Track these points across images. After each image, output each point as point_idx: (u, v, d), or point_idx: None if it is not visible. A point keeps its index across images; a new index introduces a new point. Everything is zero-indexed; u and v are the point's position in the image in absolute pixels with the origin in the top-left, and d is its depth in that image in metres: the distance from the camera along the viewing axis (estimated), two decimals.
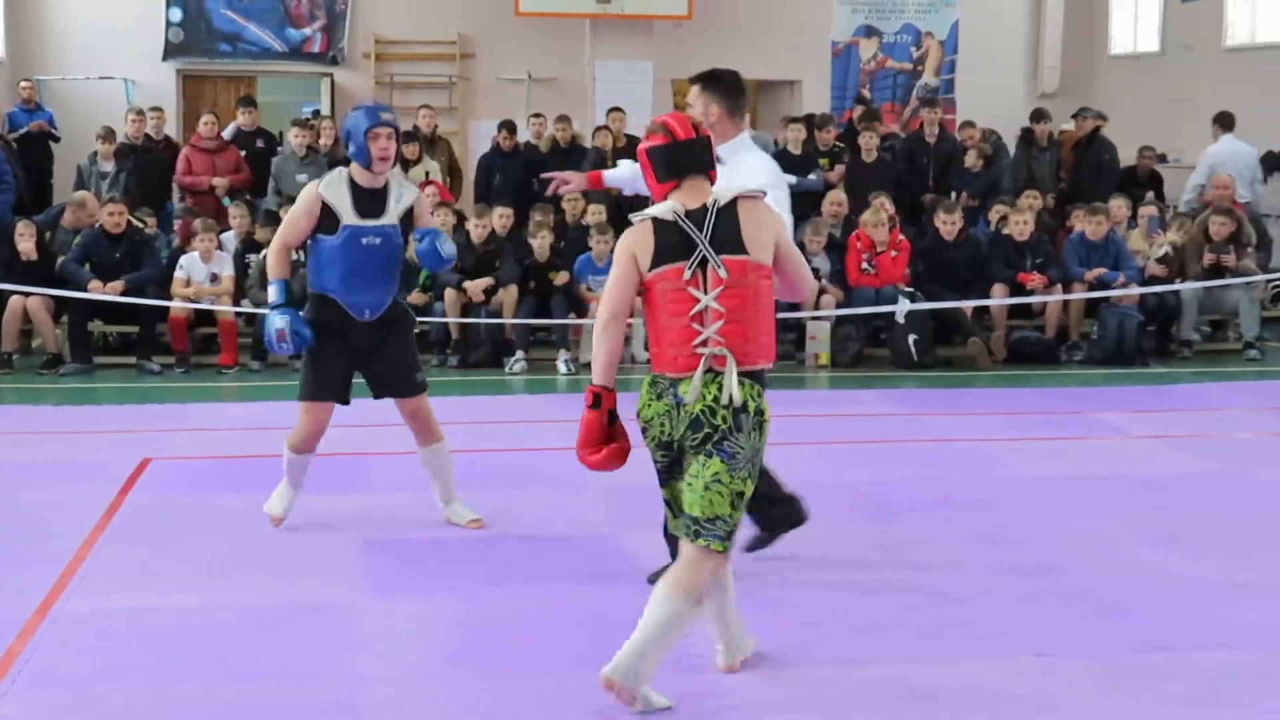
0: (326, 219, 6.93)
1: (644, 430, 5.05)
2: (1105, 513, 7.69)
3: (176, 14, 18.42)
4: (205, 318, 12.80)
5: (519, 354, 12.63)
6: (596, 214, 13.59)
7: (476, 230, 12.92)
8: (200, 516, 7.57)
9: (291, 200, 10.22)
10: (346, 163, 7.11)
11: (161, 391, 11.56)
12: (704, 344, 4.91)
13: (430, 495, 7.46)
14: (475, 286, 12.68)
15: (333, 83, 18.92)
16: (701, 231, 4.96)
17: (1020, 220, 13.25)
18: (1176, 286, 13.24)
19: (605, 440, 5.07)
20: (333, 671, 5.39)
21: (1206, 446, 9.41)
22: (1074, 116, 16.52)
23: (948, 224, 13.20)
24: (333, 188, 6.97)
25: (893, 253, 13.04)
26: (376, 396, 7.26)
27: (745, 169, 6.15)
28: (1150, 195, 15.76)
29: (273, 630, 5.85)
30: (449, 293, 12.61)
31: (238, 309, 12.64)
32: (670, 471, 5.08)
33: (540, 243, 12.94)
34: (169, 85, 18.52)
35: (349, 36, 18.89)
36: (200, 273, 12.73)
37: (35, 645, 5.63)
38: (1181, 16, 19.29)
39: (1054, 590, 6.33)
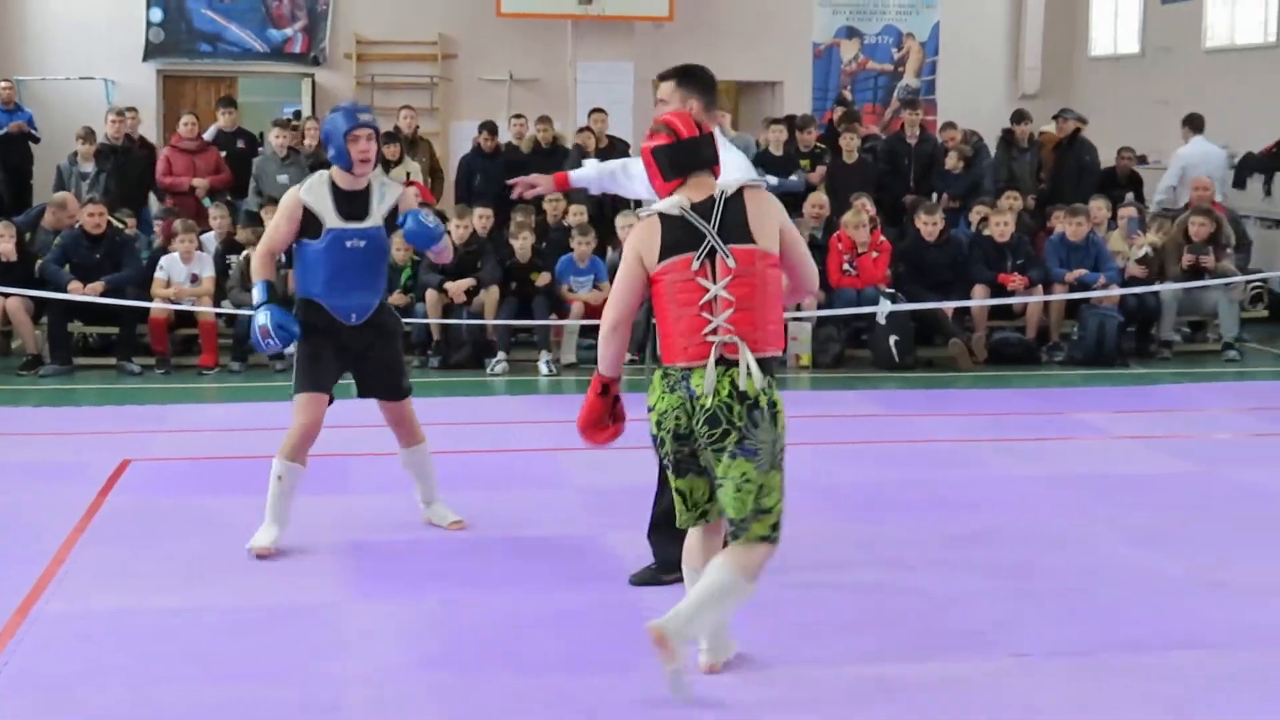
0: (309, 223, 6.87)
1: (658, 423, 5.09)
2: (1086, 513, 7.71)
3: (157, 14, 18.37)
4: (185, 319, 12.76)
5: (500, 355, 12.63)
6: (578, 215, 13.60)
7: (458, 231, 12.90)
8: (180, 518, 7.56)
9: (273, 201, 10.22)
10: (328, 165, 7.06)
11: (141, 393, 11.53)
12: (714, 332, 4.97)
13: (411, 497, 7.46)
14: (456, 287, 12.67)
15: (314, 83, 18.90)
16: (709, 222, 5.01)
17: (1001, 221, 13.29)
18: (1156, 288, 13.28)
19: (610, 423, 5.31)
20: (313, 672, 5.38)
21: (1186, 447, 9.44)
22: (1055, 118, 16.57)
23: (929, 225, 13.23)
24: (314, 192, 6.91)
25: (874, 254, 13.06)
26: (362, 396, 7.23)
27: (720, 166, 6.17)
28: (1130, 196, 15.82)
29: (253, 631, 5.84)
30: (430, 294, 12.60)
31: (218, 310, 12.61)
32: (686, 464, 5.11)
33: (522, 244, 12.94)
34: (149, 85, 18.48)
35: (330, 37, 18.87)
36: (180, 273, 12.70)
37: (15, 647, 5.61)
38: (1161, 18, 19.35)
39: (1034, 590, 6.35)
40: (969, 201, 14.53)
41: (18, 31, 18.30)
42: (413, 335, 12.86)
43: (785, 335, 5.27)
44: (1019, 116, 16.05)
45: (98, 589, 6.37)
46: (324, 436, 7.03)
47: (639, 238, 5.12)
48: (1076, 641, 5.70)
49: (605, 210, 13.96)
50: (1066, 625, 5.89)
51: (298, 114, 18.39)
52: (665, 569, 6.26)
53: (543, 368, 12.56)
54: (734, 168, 6.19)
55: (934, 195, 14.93)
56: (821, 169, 15.00)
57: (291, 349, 7.07)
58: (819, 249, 13.35)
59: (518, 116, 16.20)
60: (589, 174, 7.03)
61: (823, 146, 15.41)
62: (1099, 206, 14.15)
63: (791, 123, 15.73)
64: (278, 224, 6.95)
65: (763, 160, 14.45)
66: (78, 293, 12.20)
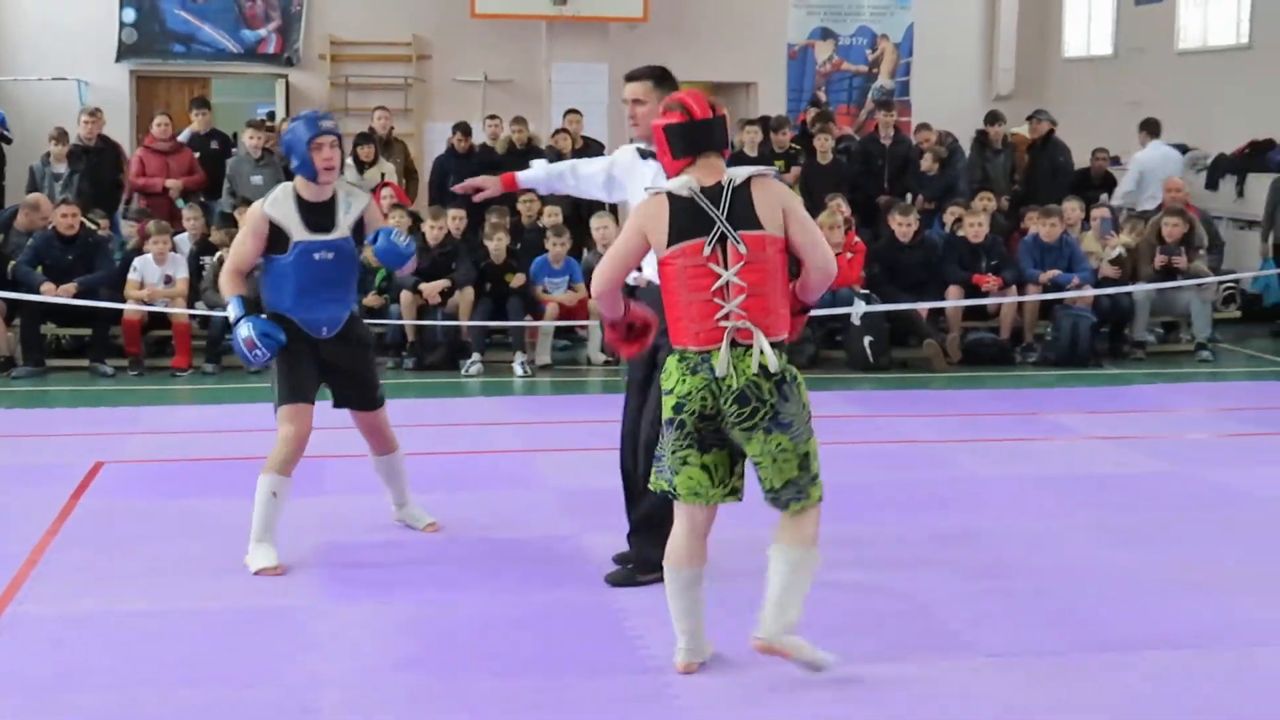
0: (277, 238, 6.71)
1: (679, 405, 5.11)
2: (1061, 513, 7.73)
3: (130, 14, 18.29)
4: (159, 320, 12.72)
5: (475, 356, 12.61)
6: (553, 216, 13.59)
7: (432, 232, 12.89)
8: (154, 520, 7.52)
9: (247, 202, 10.15)
10: (290, 176, 6.94)
11: (114, 394, 11.48)
12: (726, 318, 5.04)
13: (386, 499, 7.44)
14: (431, 288, 12.65)
15: (288, 84, 18.84)
16: (718, 208, 5.07)
17: (975, 222, 13.32)
18: (1129, 288, 13.33)
19: (638, 335, 5.41)
20: (288, 674, 5.37)
21: (1160, 447, 9.47)
22: (1028, 119, 16.61)
23: (903, 226, 13.25)
24: (279, 205, 6.74)
25: (848, 254, 13.05)
26: (337, 406, 7.11)
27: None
28: (1104, 197, 15.89)
29: (228, 634, 5.81)
30: (405, 295, 12.57)
31: (192, 312, 12.57)
32: (711, 439, 5.14)
33: (496, 244, 12.92)
34: (122, 86, 18.39)
35: (304, 38, 18.81)
36: (154, 275, 12.65)
37: None
38: (1134, 20, 19.42)
39: (1010, 590, 6.36)
40: (944, 203, 14.57)
41: None
42: (387, 336, 12.85)
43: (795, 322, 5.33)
44: (993, 118, 16.10)
45: (71, 592, 6.33)
46: None
47: (647, 214, 5.18)
48: (1052, 641, 5.71)
49: (581, 211, 13.94)
50: (1042, 625, 5.90)
51: (272, 115, 18.34)
52: (643, 569, 6.26)
53: (518, 369, 12.55)
54: None
55: (908, 196, 14.96)
56: (796, 170, 15.03)
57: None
58: None
59: (492, 117, 16.20)
60: (537, 175, 7.02)
61: (797, 147, 15.45)
62: (1072, 207, 14.19)
63: (766, 124, 15.75)
64: (243, 241, 6.79)
65: (737, 161, 14.34)
66: (50, 294, 12.15)
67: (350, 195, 6.94)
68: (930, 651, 5.59)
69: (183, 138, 15.31)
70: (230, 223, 13.04)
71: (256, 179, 13.81)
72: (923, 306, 12.94)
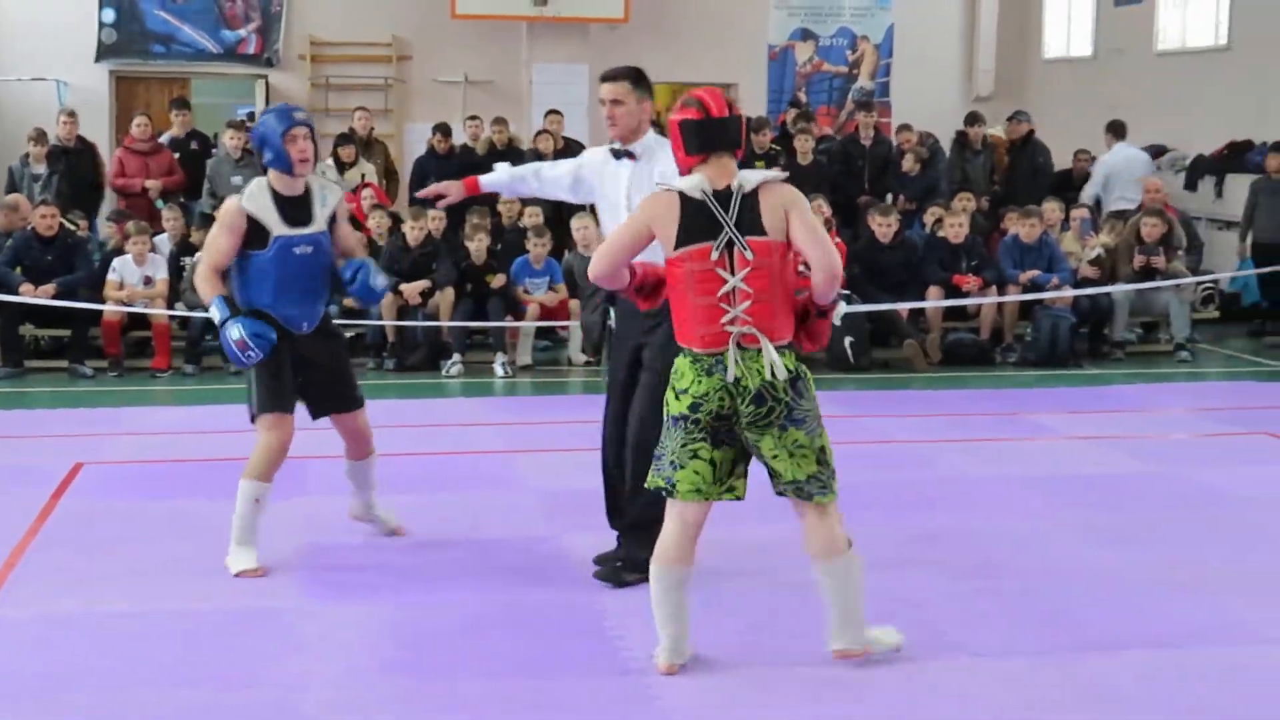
0: (255, 233, 6.57)
1: (696, 405, 5.12)
2: (1047, 513, 7.74)
3: (109, 15, 18.22)
4: (139, 321, 12.69)
5: (456, 356, 12.60)
6: (534, 217, 13.58)
7: (413, 233, 12.88)
8: (134, 521, 7.50)
9: None
10: (265, 172, 6.77)
11: (94, 395, 11.45)
12: (732, 322, 5.09)
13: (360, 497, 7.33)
14: (411, 289, 12.64)
15: (268, 85, 18.78)
16: (727, 214, 5.10)
17: (955, 223, 13.35)
18: (1109, 289, 13.37)
19: (654, 291, 5.39)
20: (271, 676, 5.35)
21: (1143, 447, 9.49)
22: (1008, 120, 16.65)
23: (883, 226, 13.26)
24: (255, 200, 6.60)
25: None
26: (315, 417, 6.95)
27: (660, 167, 6.19)
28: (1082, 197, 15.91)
29: (210, 636, 5.79)
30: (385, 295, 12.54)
31: (171, 312, 12.53)
32: (723, 436, 5.18)
33: (477, 245, 12.91)
34: (102, 86, 18.32)
35: (284, 38, 18.75)
36: (134, 275, 12.62)
37: None
38: (1114, 21, 19.47)
39: (998, 590, 6.37)
40: (925, 203, 14.59)
41: None
42: (368, 337, 12.83)
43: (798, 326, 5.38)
44: (973, 118, 16.13)
45: (51, 594, 6.30)
46: None
47: (657, 211, 5.19)
48: (1037, 641, 5.72)
49: (562, 212, 13.92)
50: (1031, 625, 5.91)
51: (251, 115, 18.25)
52: (631, 568, 6.25)
53: (498, 369, 12.54)
54: (674, 173, 6.21)
55: (889, 197, 14.98)
56: (776, 170, 14.99)
57: None
58: None
59: (473, 118, 16.16)
60: (500, 178, 7.01)
61: (777, 148, 15.44)
62: (1052, 208, 14.23)
63: (747, 125, 15.72)
64: (217, 238, 6.61)
65: None
66: (29, 295, 12.11)
67: (324, 188, 6.84)
68: (914, 651, 5.58)
69: (164, 140, 15.27)
70: (210, 223, 12.98)
71: (237, 179, 13.76)
72: (903, 307, 12.97)
